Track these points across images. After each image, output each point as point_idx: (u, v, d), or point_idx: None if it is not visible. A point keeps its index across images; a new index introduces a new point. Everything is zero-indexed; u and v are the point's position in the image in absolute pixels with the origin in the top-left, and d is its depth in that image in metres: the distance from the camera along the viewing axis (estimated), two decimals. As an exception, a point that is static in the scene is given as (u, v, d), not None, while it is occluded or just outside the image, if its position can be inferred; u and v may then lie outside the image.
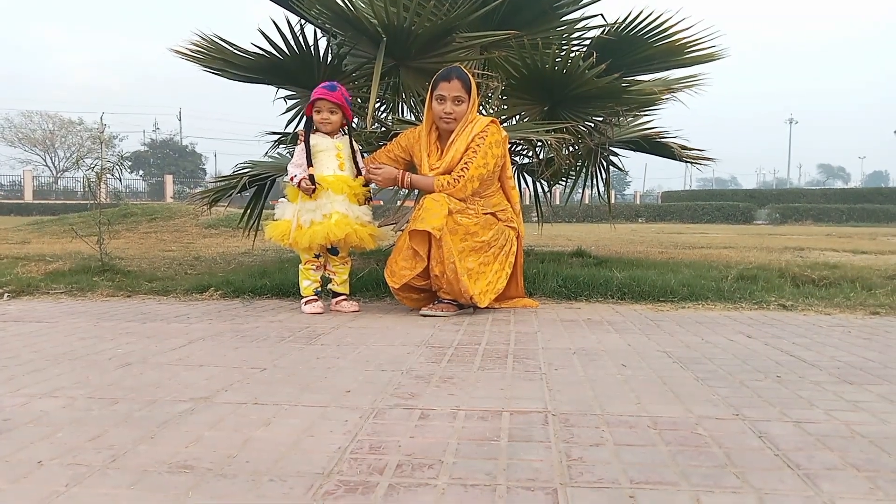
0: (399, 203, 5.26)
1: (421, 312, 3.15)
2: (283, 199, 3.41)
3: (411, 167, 3.47)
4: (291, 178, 3.22)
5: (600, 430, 1.48)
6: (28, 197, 32.19)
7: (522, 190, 5.73)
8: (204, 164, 52.32)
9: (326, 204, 3.17)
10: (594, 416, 1.58)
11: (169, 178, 37.95)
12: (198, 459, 1.29)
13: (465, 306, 3.24)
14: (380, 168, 3.32)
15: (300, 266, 3.34)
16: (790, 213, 26.81)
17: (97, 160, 5.04)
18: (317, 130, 3.32)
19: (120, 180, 5.32)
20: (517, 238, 3.42)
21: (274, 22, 3.92)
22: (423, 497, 1.14)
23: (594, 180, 5.30)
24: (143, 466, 1.26)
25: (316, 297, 3.30)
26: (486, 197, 3.31)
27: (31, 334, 2.62)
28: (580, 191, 6.49)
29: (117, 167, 5.07)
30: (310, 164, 3.22)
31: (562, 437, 1.44)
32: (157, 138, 52.04)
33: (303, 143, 3.27)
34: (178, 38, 4.33)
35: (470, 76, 3.31)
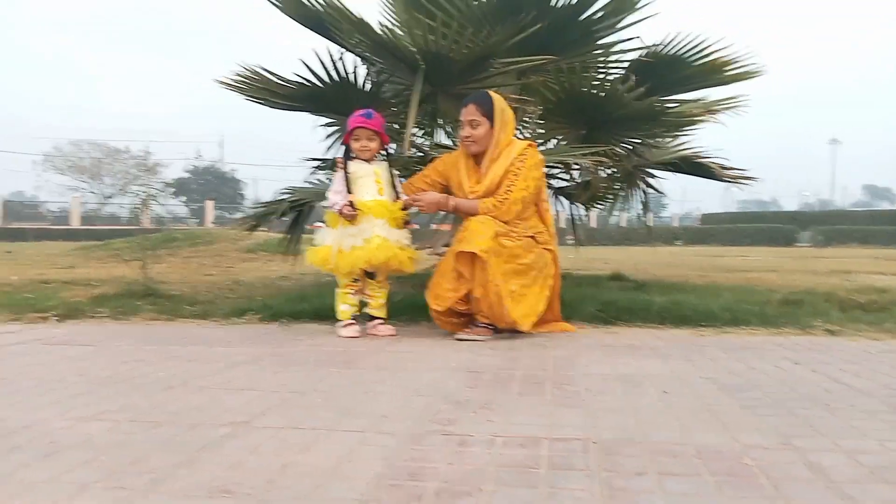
0: (434, 227, 5.28)
1: (457, 336, 3.14)
2: (320, 223, 3.45)
3: (446, 192, 3.49)
4: (332, 205, 3.26)
5: (643, 459, 1.44)
6: (75, 223, 33.15)
7: (559, 213, 5.71)
8: (243, 190, 53.33)
9: (367, 228, 3.19)
10: (637, 445, 1.54)
11: (210, 204, 38.72)
12: (238, 484, 1.30)
13: (502, 330, 3.22)
14: (424, 193, 3.34)
15: (338, 290, 3.36)
16: (834, 236, 26.11)
17: (143, 187, 5.18)
18: (355, 158, 3.36)
19: (163, 205, 5.45)
20: (554, 261, 3.41)
21: (315, 52, 4.01)
22: (462, 526, 1.12)
23: (632, 203, 5.25)
24: (183, 491, 1.27)
25: (353, 321, 3.31)
26: (525, 220, 3.32)
27: (77, 357, 2.68)
28: (617, 214, 6.43)
29: (162, 194, 5.20)
30: (349, 190, 3.26)
31: (603, 465, 1.41)
32: (199, 165, 53.31)
33: (342, 171, 3.32)
34: (223, 67, 4.45)
35: (493, 100, 3.32)
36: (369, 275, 3.35)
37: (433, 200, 3.33)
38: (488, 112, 3.27)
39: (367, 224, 3.21)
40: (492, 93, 3.39)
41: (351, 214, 3.19)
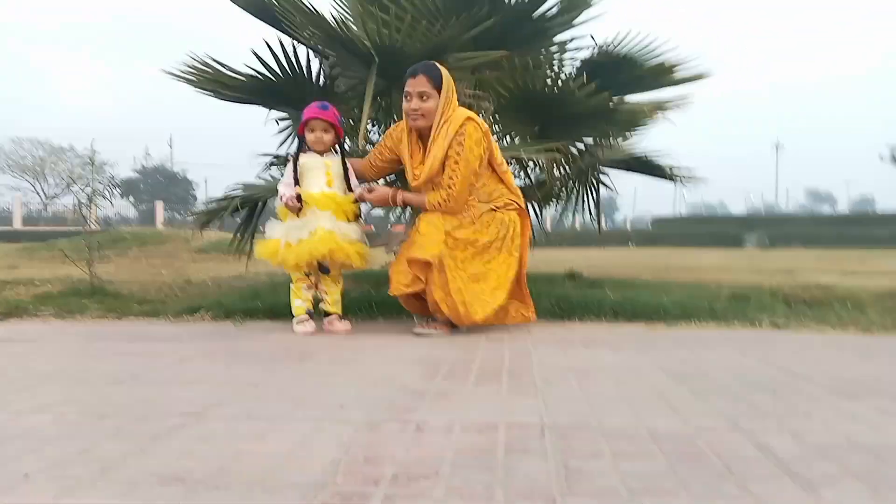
0: (390, 226, 5.25)
1: (414, 331, 3.13)
2: (273, 218, 3.41)
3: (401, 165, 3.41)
4: (280, 197, 3.23)
5: (598, 442, 1.46)
6: (17, 223, 31.96)
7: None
8: (194, 191, 52.18)
9: (312, 221, 3.17)
10: (591, 429, 1.56)
11: (159, 205, 37.78)
12: (189, 472, 1.27)
13: (458, 326, 3.21)
14: (372, 189, 3.31)
15: (291, 285, 3.32)
16: (779, 238, 26.96)
17: (88, 184, 5.03)
18: (307, 150, 3.33)
19: (111, 202, 5.29)
20: (521, 216, 3.31)
21: (267, 43, 3.95)
22: (419, 507, 1.12)
23: (585, 202, 5.31)
24: (132, 479, 1.23)
25: (307, 316, 3.27)
26: (479, 190, 3.22)
27: (20, 354, 2.59)
28: (570, 216, 6.50)
29: (108, 189, 5.05)
30: (297, 183, 3.24)
31: (559, 448, 1.42)
32: (147, 164, 52.03)
33: (291, 163, 3.29)
34: (172, 61, 4.33)
35: (443, 70, 3.19)
36: (323, 270, 3.31)
37: (382, 195, 3.29)
38: (438, 84, 3.14)
39: (312, 216, 3.18)
40: (438, 64, 3.25)
41: (294, 206, 3.17)
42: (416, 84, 3.13)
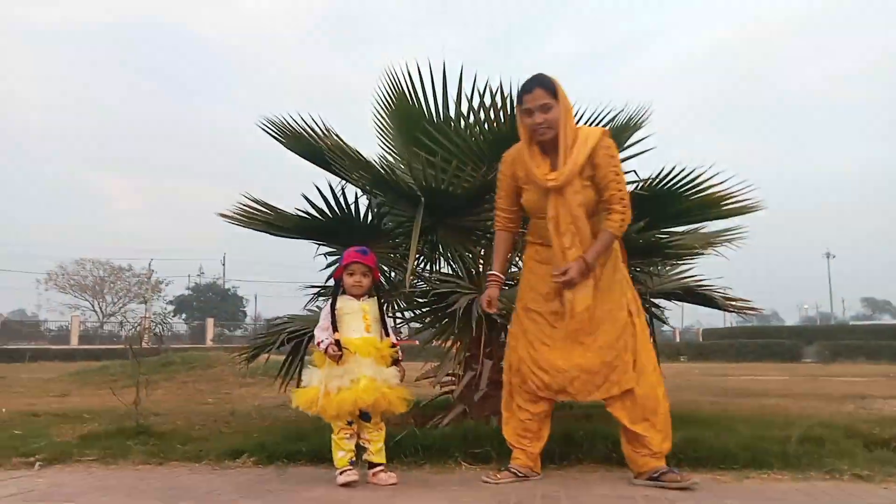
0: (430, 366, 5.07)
1: (484, 479, 3.04)
2: (309, 365, 3.32)
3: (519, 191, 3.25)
4: (318, 343, 3.17)
5: None
6: (74, 342, 32.84)
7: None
8: (244, 307, 53.26)
9: (354, 368, 3.07)
10: None
11: (210, 322, 38.55)
12: None
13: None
14: (566, 272, 3.01)
15: (332, 436, 3.17)
16: (840, 351, 25.74)
17: (142, 305, 5.12)
18: (343, 293, 3.30)
19: (167, 331, 5.35)
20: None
21: (317, 187, 4.08)
22: None
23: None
24: None
25: (351, 467, 3.11)
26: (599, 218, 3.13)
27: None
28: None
29: (163, 319, 5.14)
30: (335, 328, 3.18)
31: None
32: (200, 282, 53.61)
33: (328, 307, 3.26)
34: (227, 189, 4.50)
35: (554, 79, 3.12)
36: (363, 416, 3.18)
37: (577, 268, 2.99)
38: (555, 94, 3.06)
39: (353, 363, 3.09)
40: (549, 75, 3.15)
41: (336, 354, 3.08)
42: (535, 99, 3.05)
